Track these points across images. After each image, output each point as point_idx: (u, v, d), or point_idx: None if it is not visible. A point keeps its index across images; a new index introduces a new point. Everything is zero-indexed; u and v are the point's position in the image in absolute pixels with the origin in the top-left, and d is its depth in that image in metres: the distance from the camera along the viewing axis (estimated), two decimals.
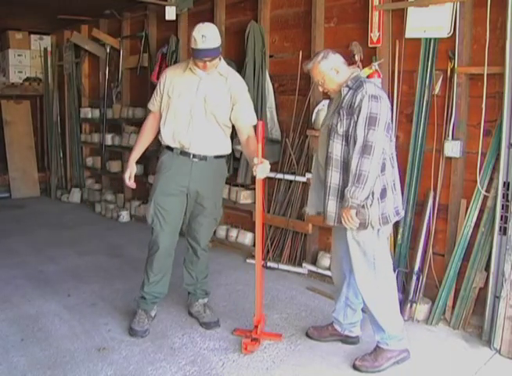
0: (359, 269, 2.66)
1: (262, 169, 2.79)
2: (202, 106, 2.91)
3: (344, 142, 2.56)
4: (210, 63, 2.82)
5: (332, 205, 2.63)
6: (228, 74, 2.97)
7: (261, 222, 2.88)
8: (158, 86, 3.02)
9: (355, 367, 2.69)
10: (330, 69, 2.64)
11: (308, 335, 3.01)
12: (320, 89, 2.76)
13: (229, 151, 3.12)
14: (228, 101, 2.94)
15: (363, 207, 2.51)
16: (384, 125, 2.49)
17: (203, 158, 2.97)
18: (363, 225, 2.55)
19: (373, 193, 2.50)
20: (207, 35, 2.73)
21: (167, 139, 2.99)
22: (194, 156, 2.95)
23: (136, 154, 3.11)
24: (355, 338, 2.94)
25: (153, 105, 3.08)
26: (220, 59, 2.91)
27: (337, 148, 2.58)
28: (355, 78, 2.61)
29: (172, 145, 2.98)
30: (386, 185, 2.56)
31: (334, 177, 2.60)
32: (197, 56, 2.80)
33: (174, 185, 2.98)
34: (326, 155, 2.64)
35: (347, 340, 2.94)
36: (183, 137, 2.93)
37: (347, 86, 2.60)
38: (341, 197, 2.58)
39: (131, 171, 3.06)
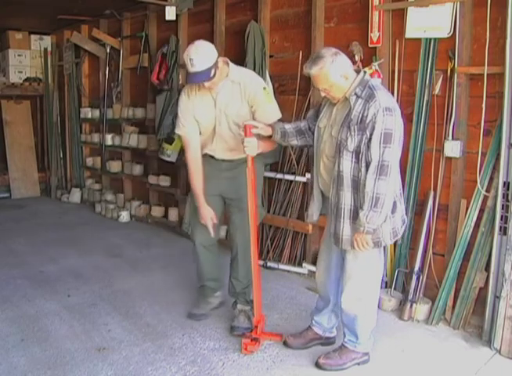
0: (353, 282, 2.55)
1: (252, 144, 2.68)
2: (224, 120, 2.92)
3: (354, 159, 2.35)
4: (207, 83, 2.77)
5: (347, 229, 2.44)
6: (241, 79, 2.89)
7: (254, 221, 2.83)
8: (179, 110, 3.01)
9: (317, 365, 2.65)
10: (340, 76, 2.32)
11: (287, 345, 2.87)
12: (322, 95, 2.46)
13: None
14: (247, 106, 2.90)
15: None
16: (399, 140, 2.33)
17: (230, 161, 3.01)
18: (377, 245, 2.43)
19: None
20: (194, 58, 2.68)
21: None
22: (223, 160, 3.02)
23: (201, 193, 2.99)
24: (333, 338, 2.92)
25: (182, 130, 3.04)
26: (228, 66, 2.87)
27: (346, 165, 2.36)
28: (361, 83, 2.35)
29: (202, 152, 3.05)
30: (395, 197, 2.43)
31: (347, 198, 2.40)
32: (189, 81, 2.80)
33: (210, 187, 3.02)
34: (334, 170, 2.43)
35: (326, 341, 2.89)
36: (208, 149, 3.01)
37: (355, 94, 2.34)
38: (354, 218, 2.40)
39: (212, 216, 3.01)
